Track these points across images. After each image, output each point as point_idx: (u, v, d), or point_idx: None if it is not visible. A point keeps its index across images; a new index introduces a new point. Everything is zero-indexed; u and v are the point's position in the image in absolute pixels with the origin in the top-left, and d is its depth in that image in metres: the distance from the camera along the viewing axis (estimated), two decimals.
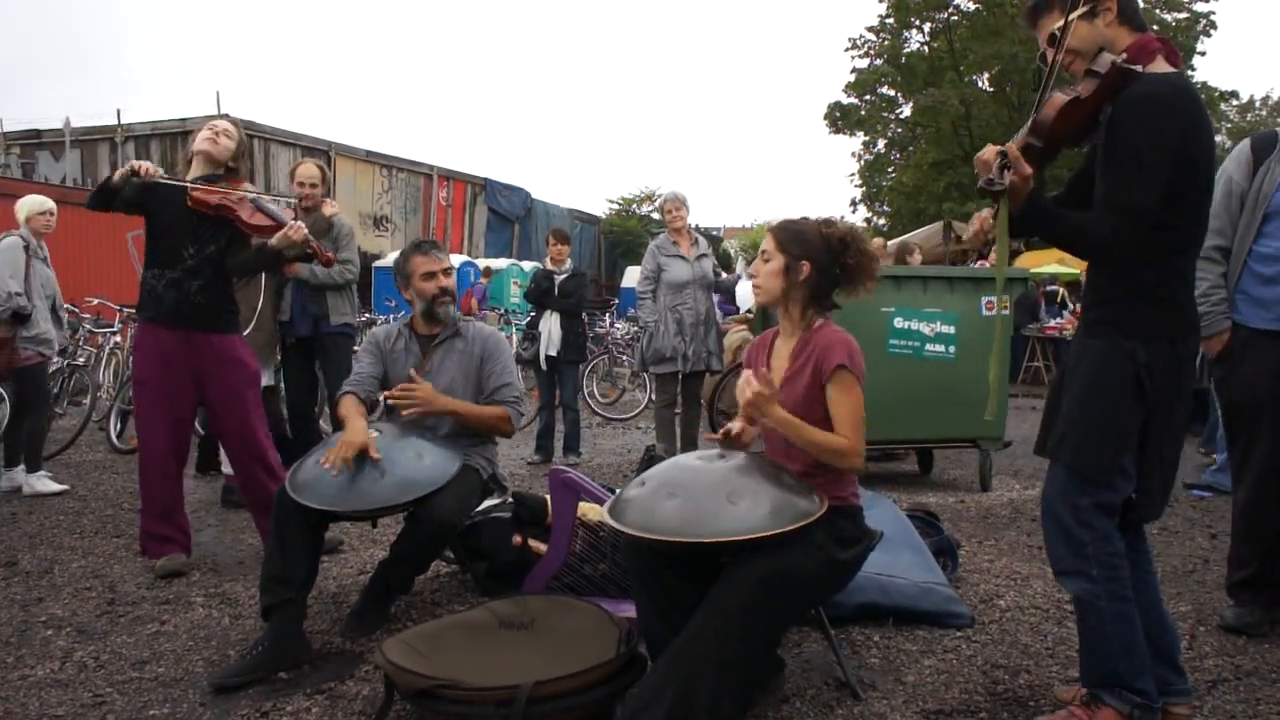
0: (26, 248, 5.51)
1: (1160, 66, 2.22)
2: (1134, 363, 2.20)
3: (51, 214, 5.64)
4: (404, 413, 3.24)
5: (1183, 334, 2.26)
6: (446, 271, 3.49)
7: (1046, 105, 2.19)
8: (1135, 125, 2.14)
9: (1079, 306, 4.69)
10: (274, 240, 3.70)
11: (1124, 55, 2.18)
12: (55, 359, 5.90)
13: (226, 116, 4.09)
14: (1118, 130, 2.17)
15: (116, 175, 3.65)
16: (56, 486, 5.57)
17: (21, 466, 5.70)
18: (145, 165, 3.65)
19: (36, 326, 5.52)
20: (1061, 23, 2.23)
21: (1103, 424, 2.23)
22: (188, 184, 3.69)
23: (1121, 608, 2.22)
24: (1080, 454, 2.26)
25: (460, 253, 18.72)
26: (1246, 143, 3.26)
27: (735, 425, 2.62)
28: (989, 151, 2.20)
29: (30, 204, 5.67)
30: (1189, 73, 18.98)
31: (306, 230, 3.77)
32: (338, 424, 3.46)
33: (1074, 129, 2.23)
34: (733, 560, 2.29)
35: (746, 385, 2.41)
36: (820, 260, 2.53)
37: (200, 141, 3.85)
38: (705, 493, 2.32)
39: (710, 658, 2.14)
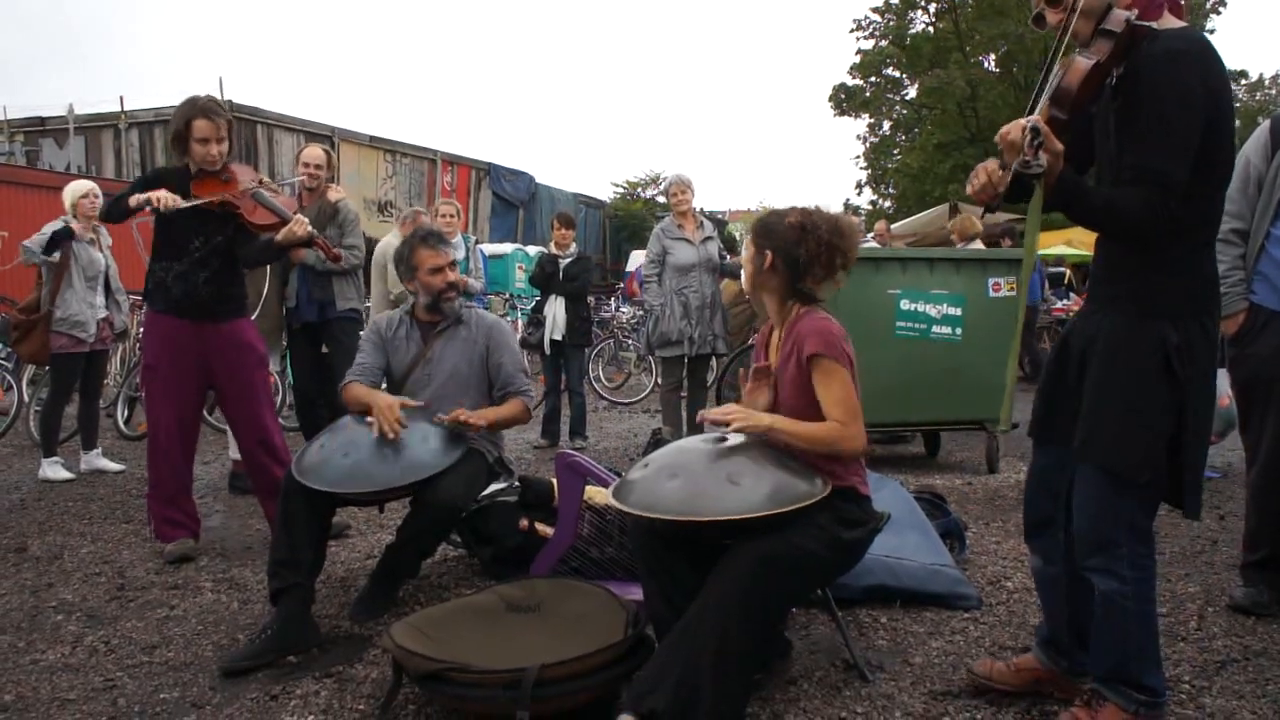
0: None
1: (1169, 20, 2.07)
2: (1164, 346, 2.01)
3: (94, 195, 5.68)
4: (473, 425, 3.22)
5: (1210, 312, 2.10)
6: (452, 265, 3.49)
7: (1069, 72, 1.98)
8: (1161, 86, 1.96)
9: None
10: (279, 237, 3.76)
11: (1135, 11, 2.01)
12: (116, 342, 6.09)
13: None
14: (1142, 92, 1.99)
15: (134, 200, 3.65)
16: (66, 474, 5.61)
17: (97, 449, 5.91)
18: (163, 198, 3.60)
19: (69, 307, 5.55)
20: None
21: (1135, 418, 2.03)
22: (193, 203, 3.68)
23: (1147, 609, 2.13)
24: (1113, 453, 2.06)
25: None
26: (1266, 125, 3.17)
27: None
28: (1014, 128, 1.96)
29: (72, 190, 5.74)
30: None
31: (310, 225, 3.81)
32: (338, 411, 3.46)
33: (1091, 96, 2.05)
34: (735, 541, 2.29)
35: (723, 415, 2.41)
36: (782, 250, 2.51)
37: (202, 163, 3.78)
38: (706, 473, 2.32)
39: (713, 639, 2.13)
